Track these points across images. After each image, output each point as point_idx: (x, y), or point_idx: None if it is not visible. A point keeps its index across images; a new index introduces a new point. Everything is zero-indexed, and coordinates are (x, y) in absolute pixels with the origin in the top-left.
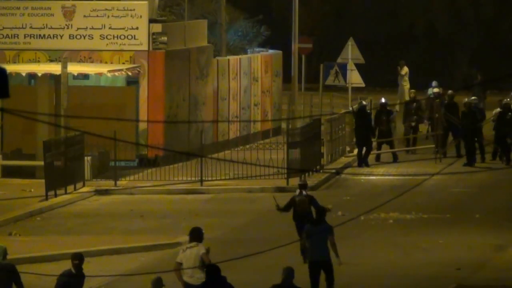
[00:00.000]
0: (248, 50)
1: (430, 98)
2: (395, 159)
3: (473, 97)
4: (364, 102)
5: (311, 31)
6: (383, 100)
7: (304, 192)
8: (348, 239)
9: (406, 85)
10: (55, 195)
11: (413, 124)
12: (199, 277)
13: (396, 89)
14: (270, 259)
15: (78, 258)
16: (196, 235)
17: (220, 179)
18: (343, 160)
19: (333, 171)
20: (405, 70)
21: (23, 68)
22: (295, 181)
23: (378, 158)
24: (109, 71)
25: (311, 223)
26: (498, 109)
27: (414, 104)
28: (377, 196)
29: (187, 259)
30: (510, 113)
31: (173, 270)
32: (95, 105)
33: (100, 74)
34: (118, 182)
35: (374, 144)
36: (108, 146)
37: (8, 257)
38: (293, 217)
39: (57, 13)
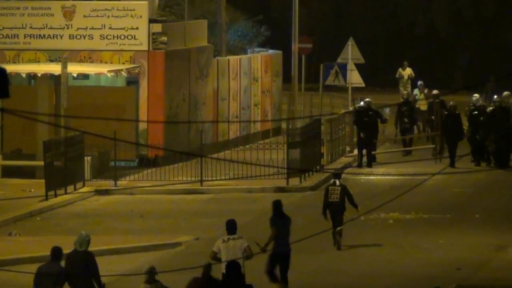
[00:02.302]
0: (248, 50)
1: (430, 101)
2: (369, 163)
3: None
4: (362, 103)
5: (311, 31)
6: (363, 102)
7: (337, 182)
8: (348, 239)
9: (408, 87)
10: (55, 195)
11: (407, 125)
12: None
13: (394, 89)
14: None
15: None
16: (235, 227)
17: (220, 179)
18: (343, 160)
19: (333, 171)
20: (407, 72)
21: (23, 68)
22: (295, 181)
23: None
24: (109, 71)
25: (274, 215)
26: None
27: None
28: (377, 196)
29: (229, 250)
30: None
31: (211, 258)
32: (95, 105)
33: (100, 74)
34: (118, 182)
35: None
36: (108, 146)
37: (8, 257)
38: (323, 209)
39: (57, 13)
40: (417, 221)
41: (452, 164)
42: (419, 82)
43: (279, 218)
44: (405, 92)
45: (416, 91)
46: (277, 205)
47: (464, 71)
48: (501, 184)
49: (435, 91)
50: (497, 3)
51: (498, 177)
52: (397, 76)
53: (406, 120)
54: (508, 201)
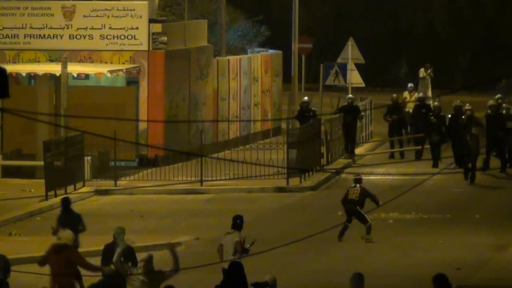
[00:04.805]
0: (248, 50)
1: (416, 104)
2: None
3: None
4: (306, 98)
5: (311, 31)
6: (306, 97)
7: (358, 186)
8: (348, 239)
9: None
10: (55, 195)
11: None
12: None
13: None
14: (270, 259)
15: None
16: (234, 222)
17: (220, 179)
18: (343, 160)
19: (333, 171)
20: (429, 72)
21: (23, 68)
22: (295, 181)
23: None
24: (109, 71)
25: (62, 212)
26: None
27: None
28: (377, 196)
29: (226, 244)
30: (463, 117)
31: (217, 250)
32: (95, 105)
33: (100, 74)
34: (118, 182)
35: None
36: (108, 146)
37: (8, 257)
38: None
39: (57, 13)
40: (417, 221)
41: (434, 165)
42: (409, 84)
43: (66, 215)
44: (394, 95)
45: (405, 94)
46: (64, 202)
47: (464, 71)
48: (501, 184)
49: (421, 94)
50: (497, 3)
51: (498, 177)
52: (420, 76)
53: (396, 122)
54: (508, 201)
